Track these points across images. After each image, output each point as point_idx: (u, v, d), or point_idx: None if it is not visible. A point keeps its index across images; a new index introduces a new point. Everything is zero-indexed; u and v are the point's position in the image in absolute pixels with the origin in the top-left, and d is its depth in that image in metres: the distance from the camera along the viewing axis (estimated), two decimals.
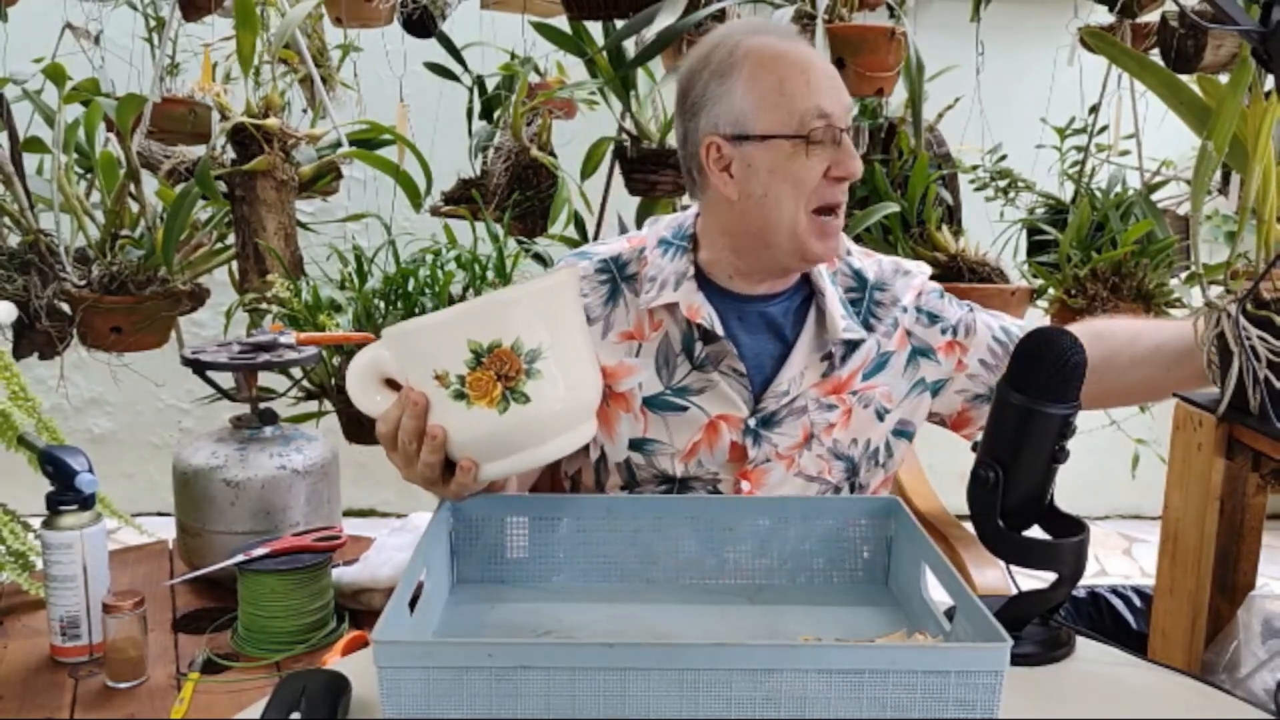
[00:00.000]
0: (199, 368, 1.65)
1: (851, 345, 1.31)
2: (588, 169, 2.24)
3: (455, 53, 2.43)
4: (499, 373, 0.91)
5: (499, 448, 0.95)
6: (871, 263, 1.37)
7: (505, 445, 0.95)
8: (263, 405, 1.68)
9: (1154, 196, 2.22)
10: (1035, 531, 0.99)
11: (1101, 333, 1.30)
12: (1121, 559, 3.69)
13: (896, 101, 2.25)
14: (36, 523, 1.45)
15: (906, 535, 1.02)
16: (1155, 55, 2.06)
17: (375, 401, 0.99)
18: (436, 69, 2.47)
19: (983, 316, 1.37)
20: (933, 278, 1.41)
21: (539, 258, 2.15)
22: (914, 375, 1.34)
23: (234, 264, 2.14)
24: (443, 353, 0.92)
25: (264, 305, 1.98)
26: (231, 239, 2.15)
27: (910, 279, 1.36)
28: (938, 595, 0.96)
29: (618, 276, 1.33)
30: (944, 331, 1.34)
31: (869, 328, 1.32)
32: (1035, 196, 2.33)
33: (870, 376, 1.31)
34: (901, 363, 1.33)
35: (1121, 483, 2.71)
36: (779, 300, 1.31)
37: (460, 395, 0.92)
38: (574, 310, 0.98)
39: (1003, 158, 2.30)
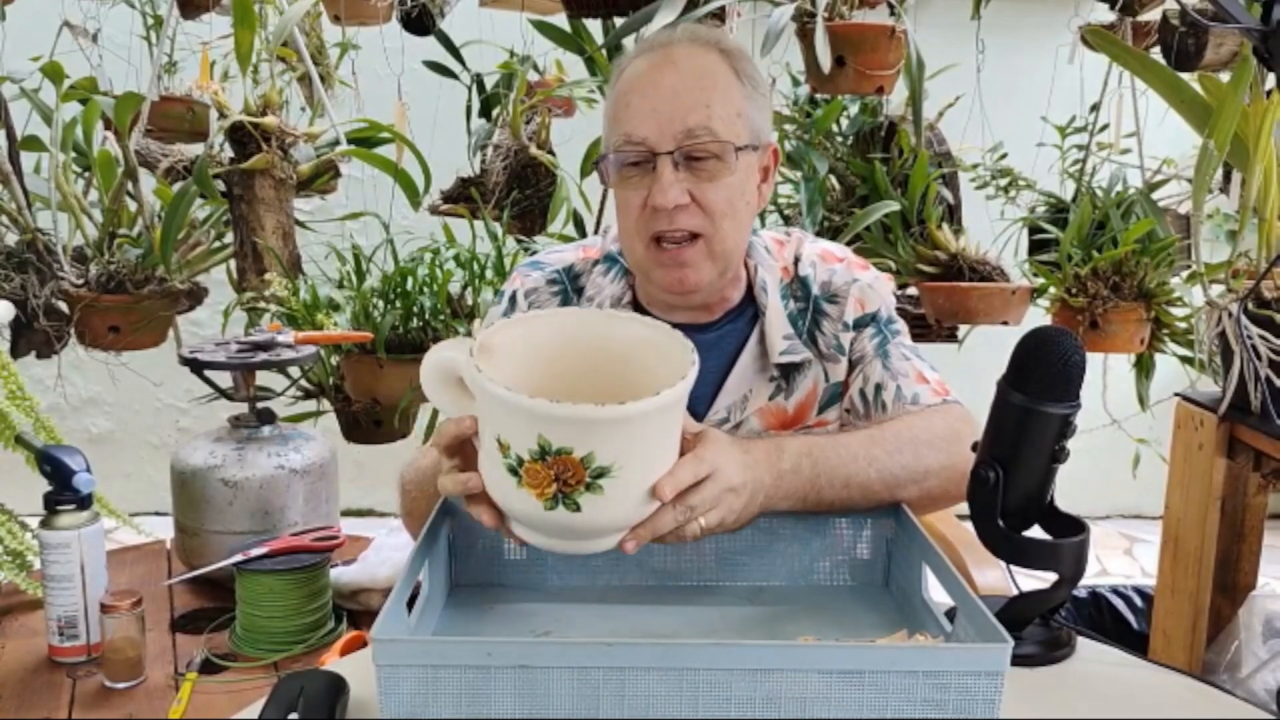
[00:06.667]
0: (197, 367, 1.64)
1: (795, 364, 1.22)
2: (587, 167, 2.23)
3: (454, 51, 2.43)
4: (559, 474, 0.83)
5: (530, 526, 0.90)
6: (825, 269, 1.25)
7: (537, 528, 0.89)
8: (261, 404, 1.68)
9: (1155, 195, 2.22)
10: (1036, 531, 0.98)
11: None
12: (1122, 559, 3.69)
13: (897, 100, 2.24)
14: (34, 522, 1.45)
15: (907, 535, 1.02)
16: (1156, 53, 2.05)
17: (446, 401, 0.92)
18: (435, 67, 2.46)
19: (876, 368, 1.21)
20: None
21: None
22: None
23: (232, 263, 2.13)
24: (511, 428, 0.83)
25: (262, 304, 1.98)
26: (229, 238, 2.14)
27: (862, 290, 1.23)
28: (938, 596, 0.95)
29: (569, 289, 1.28)
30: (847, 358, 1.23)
31: (814, 342, 1.23)
32: (1036, 195, 2.33)
33: (825, 410, 1.24)
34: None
35: (1122, 483, 2.71)
36: (715, 328, 1.22)
37: (514, 472, 0.84)
38: (668, 428, 0.88)
39: (1003, 156, 2.29)
